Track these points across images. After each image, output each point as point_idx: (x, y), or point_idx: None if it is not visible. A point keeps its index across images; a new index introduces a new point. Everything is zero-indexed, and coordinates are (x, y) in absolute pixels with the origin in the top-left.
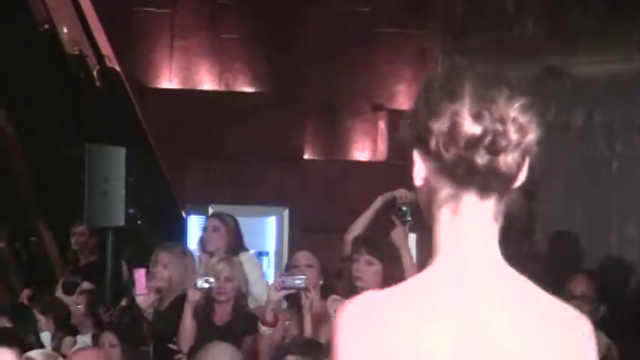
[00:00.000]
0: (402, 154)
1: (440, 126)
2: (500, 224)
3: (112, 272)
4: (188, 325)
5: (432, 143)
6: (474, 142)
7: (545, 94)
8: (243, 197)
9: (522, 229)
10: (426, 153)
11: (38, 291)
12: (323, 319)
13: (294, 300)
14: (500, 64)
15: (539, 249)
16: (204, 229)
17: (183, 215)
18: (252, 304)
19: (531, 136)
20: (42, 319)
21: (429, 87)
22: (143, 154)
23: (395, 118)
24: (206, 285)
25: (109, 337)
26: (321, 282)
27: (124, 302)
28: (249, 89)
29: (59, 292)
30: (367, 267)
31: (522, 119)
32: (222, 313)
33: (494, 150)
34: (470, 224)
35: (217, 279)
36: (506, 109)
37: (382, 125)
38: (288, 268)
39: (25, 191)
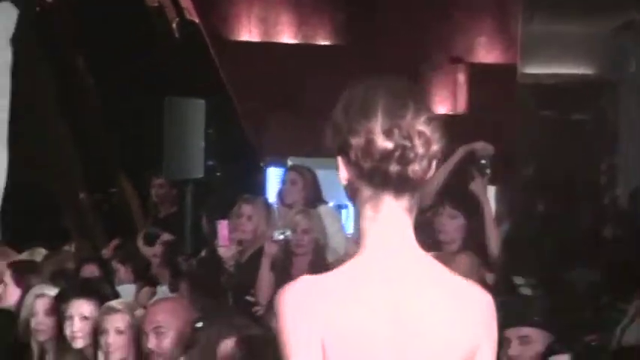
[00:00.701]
0: (481, 106)
1: (358, 141)
2: (414, 214)
3: (192, 224)
4: (265, 277)
5: (352, 155)
6: (386, 156)
7: (626, 48)
8: (322, 150)
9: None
10: (348, 162)
11: (119, 242)
12: None
13: None
14: (581, 18)
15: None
16: (283, 182)
17: (262, 167)
18: (331, 257)
19: (435, 147)
20: (122, 270)
21: (349, 105)
22: (222, 106)
23: (474, 70)
24: (282, 237)
25: (187, 288)
26: None
27: (203, 253)
28: (327, 42)
29: (140, 244)
30: (450, 220)
31: (428, 132)
32: (300, 266)
33: (404, 162)
34: (388, 219)
35: (294, 231)
36: (413, 123)
37: (461, 78)
38: None
39: (106, 143)
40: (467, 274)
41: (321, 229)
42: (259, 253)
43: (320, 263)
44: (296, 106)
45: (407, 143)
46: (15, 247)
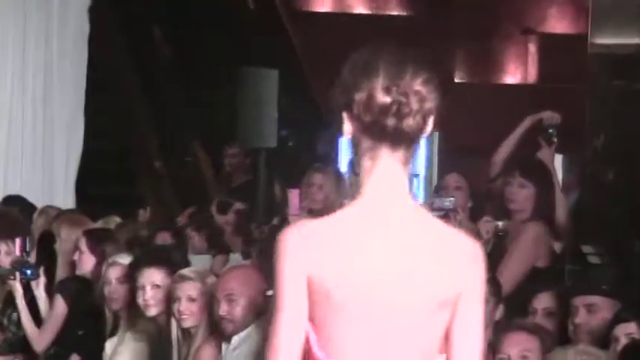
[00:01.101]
0: (552, 77)
1: (360, 96)
2: (409, 167)
3: (264, 192)
4: None
5: (355, 109)
6: (384, 110)
7: None
8: None
9: None
10: (351, 116)
11: (193, 210)
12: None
13: (443, 221)
14: None
15: None
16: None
17: (334, 137)
18: None
19: (430, 104)
20: (196, 238)
21: (355, 66)
22: (295, 76)
23: (545, 41)
24: None
25: (259, 255)
26: (469, 204)
27: (275, 221)
28: (399, 13)
29: (213, 212)
30: (520, 190)
31: (423, 91)
32: None
33: (399, 116)
34: (384, 169)
35: None
36: (411, 83)
37: (532, 49)
38: (438, 190)
39: (181, 112)
40: (536, 243)
41: None
42: None
43: None
44: None
45: (403, 99)
46: (90, 215)
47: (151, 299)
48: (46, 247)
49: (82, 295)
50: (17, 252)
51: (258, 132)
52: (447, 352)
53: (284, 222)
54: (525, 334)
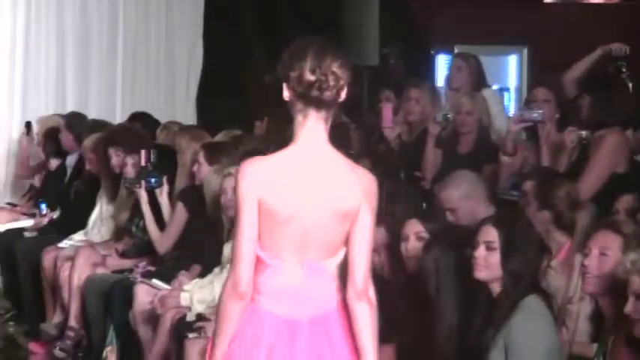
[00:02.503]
0: None
1: (294, 74)
2: (329, 123)
3: (367, 108)
4: (430, 155)
5: (290, 83)
6: (310, 85)
7: None
8: (487, 37)
9: None
10: (289, 86)
11: None
12: (559, 149)
13: (532, 132)
14: None
15: None
16: (450, 68)
17: (432, 55)
18: (494, 135)
19: (342, 81)
20: None
21: (291, 52)
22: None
23: None
24: (442, 119)
25: (365, 163)
26: (557, 115)
27: (376, 133)
28: None
29: None
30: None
31: (338, 72)
32: (465, 144)
33: (321, 89)
34: (311, 124)
35: (459, 113)
36: (330, 65)
37: None
38: (527, 102)
39: (289, 32)
40: (616, 151)
41: (484, 111)
42: (425, 133)
43: (484, 140)
44: None
45: (323, 78)
46: (209, 130)
47: None
48: (168, 160)
49: (201, 204)
50: (142, 163)
51: (361, 50)
52: (347, 247)
53: (381, 134)
54: (606, 232)
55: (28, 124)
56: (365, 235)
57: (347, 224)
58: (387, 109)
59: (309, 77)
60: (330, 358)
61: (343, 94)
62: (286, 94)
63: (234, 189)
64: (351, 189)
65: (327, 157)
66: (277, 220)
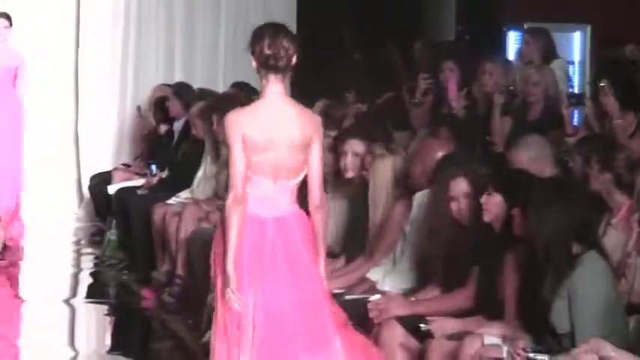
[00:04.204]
0: None
1: (257, 49)
2: (285, 82)
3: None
4: (497, 122)
5: (255, 56)
6: (267, 57)
7: None
8: (554, 15)
9: None
10: (255, 58)
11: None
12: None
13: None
14: None
15: None
16: (521, 43)
17: (504, 31)
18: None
19: (291, 52)
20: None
21: (255, 33)
22: None
23: None
24: (505, 90)
25: (445, 131)
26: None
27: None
28: None
29: (404, 94)
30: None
31: (288, 47)
32: (534, 112)
33: (276, 60)
34: (272, 83)
35: (527, 84)
36: (282, 41)
37: None
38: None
39: (374, 11)
40: None
41: (552, 81)
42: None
43: (551, 109)
44: None
45: (277, 51)
46: (305, 99)
47: (349, 164)
48: None
49: None
50: None
51: (439, 27)
52: (307, 169)
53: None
54: None
55: (139, 108)
56: (317, 159)
57: (306, 152)
58: (451, 83)
59: (267, 51)
60: (288, 246)
61: (294, 60)
62: (254, 64)
63: (226, 132)
64: (306, 126)
65: (286, 106)
66: (257, 148)
